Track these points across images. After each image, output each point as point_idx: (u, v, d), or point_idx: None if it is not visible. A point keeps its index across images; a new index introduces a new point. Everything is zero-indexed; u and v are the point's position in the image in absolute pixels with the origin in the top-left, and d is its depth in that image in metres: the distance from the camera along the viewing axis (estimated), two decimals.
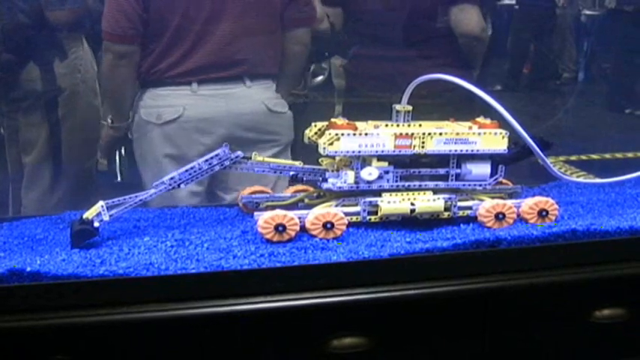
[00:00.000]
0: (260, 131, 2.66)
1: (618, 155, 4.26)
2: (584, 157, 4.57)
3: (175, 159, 2.62)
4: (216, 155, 1.79)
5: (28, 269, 1.58)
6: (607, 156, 4.45)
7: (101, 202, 1.74)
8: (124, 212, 1.76)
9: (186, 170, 1.78)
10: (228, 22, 2.57)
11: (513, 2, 5.55)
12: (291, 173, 1.87)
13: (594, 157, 4.57)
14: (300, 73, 2.96)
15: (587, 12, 5.86)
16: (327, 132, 1.79)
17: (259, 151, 2.49)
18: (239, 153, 1.81)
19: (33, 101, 2.97)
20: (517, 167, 1.99)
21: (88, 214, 1.73)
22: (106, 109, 3.02)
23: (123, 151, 3.03)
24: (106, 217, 1.73)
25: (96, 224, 1.73)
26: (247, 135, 2.63)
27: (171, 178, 1.77)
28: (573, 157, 4.52)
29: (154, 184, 1.78)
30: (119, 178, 2.91)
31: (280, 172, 1.86)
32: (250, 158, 1.83)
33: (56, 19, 2.76)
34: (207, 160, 1.78)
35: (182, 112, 2.60)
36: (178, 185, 1.78)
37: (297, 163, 1.88)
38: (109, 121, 2.77)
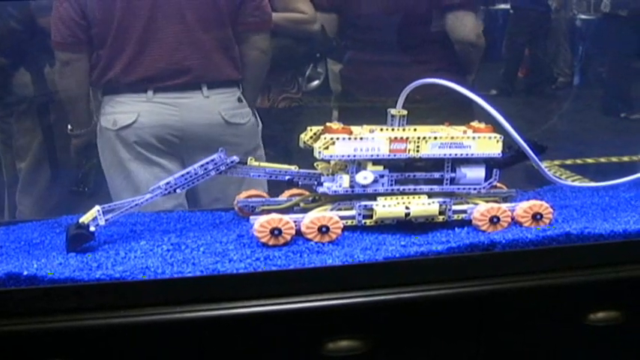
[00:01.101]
0: (215, 141, 2.60)
1: (614, 159, 4.27)
2: (579, 161, 4.58)
3: (136, 164, 2.63)
4: (212, 160, 1.80)
5: (25, 273, 1.59)
6: (602, 160, 4.47)
7: (97, 207, 1.75)
8: (119, 216, 1.77)
9: (182, 175, 1.79)
10: (170, 29, 2.55)
11: (508, 7, 5.57)
12: (287, 177, 1.88)
13: (589, 160, 4.58)
14: (261, 78, 2.89)
15: (582, 16, 5.88)
16: (322, 136, 1.80)
17: None
18: (235, 158, 1.82)
19: (26, 106, 2.97)
20: (512, 171, 2.00)
21: (84, 219, 1.74)
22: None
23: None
24: (102, 222, 1.74)
25: (92, 228, 1.73)
26: (202, 144, 2.60)
27: (167, 183, 1.78)
28: (569, 161, 4.53)
29: (150, 189, 1.79)
30: (78, 188, 2.88)
31: (276, 177, 1.87)
32: (246, 163, 1.84)
33: (48, 25, 2.77)
34: (202, 165, 1.79)
35: (136, 118, 2.59)
36: (174, 190, 1.79)
37: (293, 168, 1.89)
38: (69, 128, 2.78)
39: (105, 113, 2.65)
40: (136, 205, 1.77)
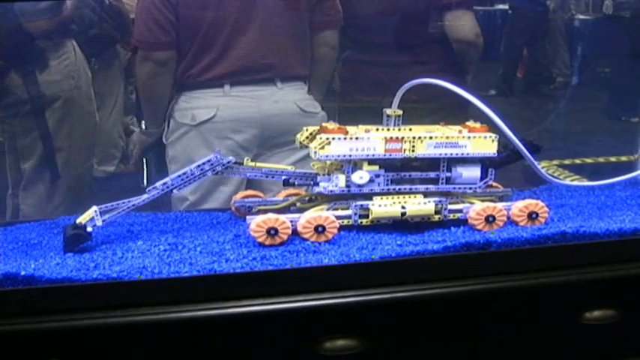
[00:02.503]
0: (292, 132, 2.63)
1: (612, 159, 4.27)
2: (577, 161, 4.57)
3: None
4: (209, 161, 1.81)
5: (23, 273, 1.60)
6: (600, 160, 4.46)
7: (94, 207, 1.75)
8: (117, 217, 1.78)
9: (179, 176, 1.80)
10: (257, 27, 2.59)
11: (507, 7, 5.56)
12: (283, 177, 1.88)
13: (588, 160, 4.57)
14: (330, 74, 2.96)
15: (581, 16, 5.87)
16: (318, 136, 1.81)
17: (292, 151, 2.52)
18: (231, 158, 1.83)
19: (28, 108, 2.98)
20: (509, 170, 2.01)
21: (82, 219, 1.75)
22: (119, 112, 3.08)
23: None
24: (99, 222, 1.75)
25: (89, 229, 1.74)
26: (280, 135, 2.64)
27: (164, 184, 1.79)
28: (567, 161, 4.52)
29: (147, 190, 1.80)
30: (145, 183, 2.93)
31: (272, 177, 1.88)
32: (242, 163, 1.85)
33: (36, 29, 2.77)
34: (199, 166, 1.80)
35: (215, 112, 2.61)
36: (171, 191, 1.80)
37: (290, 168, 1.90)
38: (143, 127, 2.80)
39: (180, 109, 2.67)
40: (133, 205, 1.78)
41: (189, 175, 1.80)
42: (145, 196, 1.79)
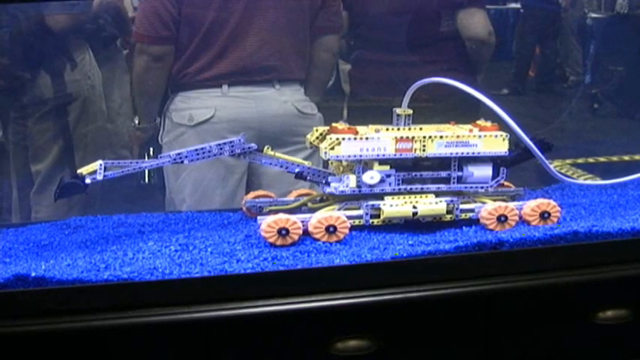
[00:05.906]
0: (290, 133, 2.67)
1: (625, 158, 4.24)
2: (591, 160, 4.55)
3: (206, 162, 2.64)
4: (230, 142, 1.81)
5: (33, 274, 1.60)
6: (614, 158, 4.44)
7: (100, 161, 1.73)
8: (119, 174, 1.76)
9: (195, 149, 1.80)
10: (260, 29, 2.60)
11: (519, 6, 5.54)
12: (297, 170, 1.88)
13: (601, 159, 4.55)
14: (328, 78, 2.98)
15: (594, 15, 5.84)
16: (328, 137, 1.80)
17: (291, 153, 2.52)
18: (253, 145, 1.83)
19: (48, 108, 2.98)
20: (521, 169, 2.00)
21: (84, 170, 1.73)
22: (126, 112, 3.08)
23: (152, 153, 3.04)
24: (100, 176, 1.73)
25: (87, 181, 1.72)
26: (278, 136, 2.64)
27: (178, 154, 1.79)
28: (580, 160, 4.51)
29: (159, 156, 1.80)
30: (147, 180, 2.93)
31: (286, 168, 1.87)
32: (262, 151, 1.85)
33: (57, 23, 2.77)
34: (219, 145, 1.81)
35: (214, 112, 2.61)
36: (182, 161, 1.80)
37: (307, 163, 1.89)
38: (136, 123, 2.80)
39: (177, 109, 2.67)
40: (140, 167, 1.77)
41: (207, 151, 1.80)
42: (156, 161, 1.79)
